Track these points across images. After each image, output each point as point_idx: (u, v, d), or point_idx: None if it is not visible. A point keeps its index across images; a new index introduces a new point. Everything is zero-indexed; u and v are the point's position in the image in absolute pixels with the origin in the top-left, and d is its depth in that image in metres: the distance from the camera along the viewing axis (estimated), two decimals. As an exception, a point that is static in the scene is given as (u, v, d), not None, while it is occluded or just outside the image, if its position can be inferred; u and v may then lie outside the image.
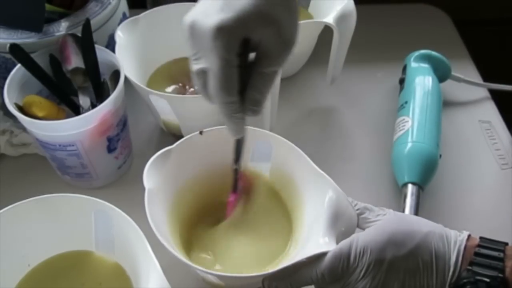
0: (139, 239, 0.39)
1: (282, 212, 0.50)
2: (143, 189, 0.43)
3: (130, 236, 0.41)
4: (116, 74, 0.53)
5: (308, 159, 0.46)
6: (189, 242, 0.48)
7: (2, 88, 0.51)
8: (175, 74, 0.62)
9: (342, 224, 0.42)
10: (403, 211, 0.53)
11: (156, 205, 0.44)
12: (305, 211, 0.47)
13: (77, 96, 0.53)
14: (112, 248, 0.45)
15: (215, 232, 0.49)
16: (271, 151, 0.49)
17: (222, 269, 0.45)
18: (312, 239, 0.42)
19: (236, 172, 0.46)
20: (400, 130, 0.59)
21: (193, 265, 0.41)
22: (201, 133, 0.48)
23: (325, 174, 0.44)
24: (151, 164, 0.45)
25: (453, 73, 0.68)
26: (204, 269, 0.40)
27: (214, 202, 0.51)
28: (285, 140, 0.48)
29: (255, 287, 0.49)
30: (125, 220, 0.41)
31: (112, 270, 0.45)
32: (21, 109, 0.50)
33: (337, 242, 0.41)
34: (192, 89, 0.61)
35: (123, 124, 0.54)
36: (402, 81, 0.67)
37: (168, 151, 0.46)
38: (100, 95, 0.54)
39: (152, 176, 0.44)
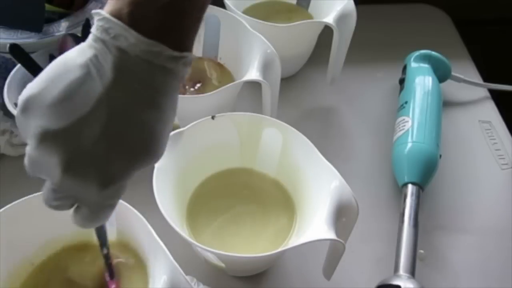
0: (143, 227, 0.40)
1: (286, 199, 0.52)
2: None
3: (134, 225, 0.41)
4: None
5: (316, 149, 0.47)
6: (194, 224, 0.50)
7: (2, 88, 0.51)
8: (175, 74, 0.62)
9: (343, 214, 0.43)
10: (403, 211, 0.53)
11: (164, 184, 0.45)
12: (308, 200, 0.48)
13: (77, 96, 0.53)
14: (113, 238, 0.45)
15: (219, 216, 0.50)
16: (279, 139, 0.51)
17: (224, 250, 0.46)
18: (313, 226, 0.43)
19: (107, 256, 0.42)
20: (400, 130, 0.59)
21: (194, 242, 0.42)
22: (213, 117, 0.49)
23: (331, 165, 0.45)
24: None
25: (453, 73, 0.68)
26: (204, 247, 0.41)
27: (220, 184, 0.53)
28: (293, 129, 0.49)
29: (256, 271, 0.50)
30: (128, 209, 0.41)
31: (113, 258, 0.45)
32: (21, 109, 0.50)
33: (337, 232, 0.41)
34: (192, 89, 0.61)
35: (123, 124, 0.54)
36: (402, 81, 0.67)
37: (180, 132, 0.48)
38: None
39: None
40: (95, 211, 0.32)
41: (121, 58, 0.28)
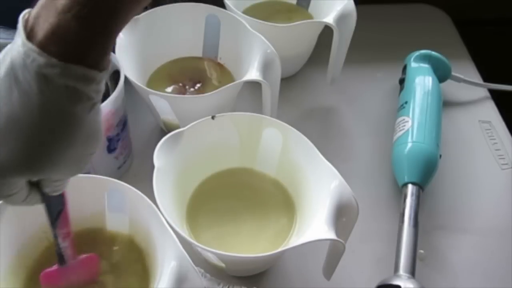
0: (154, 215, 0.40)
1: (286, 199, 0.52)
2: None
3: (144, 213, 0.42)
4: (116, 74, 0.53)
5: (316, 149, 0.47)
6: (194, 224, 0.50)
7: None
8: (175, 74, 0.62)
9: (343, 214, 0.43)
10: (403, 211, 0.53)
11: (164, 184, 0.45)
12: (308, 200, 0.48)
13: (77, 96, 0.53)
14: (126, 226, 0.45)
15: (219, 217, 0.51)
16: (279, 139, 0.51)
17: (224, 250, 0.46)
18: (313, 226, 0.43)
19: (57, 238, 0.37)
20: (400, 130, 0.59)
21: (194, 242, 0.42)
22: (213, 117, 0.49)
23: (331, 165, 0.45)
24: (163, 144, 0.46)
25: (453, 73, 0.68)
26: (204, 247, 0.41)
27: (220, 184, 0.53)
28: (293, 129, 0.49)
29: (256, 271, 0.50)
30: (139, 197, 0.42)
31: (125, 244, 0.46)
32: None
33: (337, 232, 0.41)
34: (192, 89, 0.61)
35: (123, 124, 0.54)
36: (402, 81, 0.67)
37: (180, 132, 0.48)
38: (100, 95, 0.54)
39: (162, 156, 0.46)
40: None
41: (43, 80, 0.30)
